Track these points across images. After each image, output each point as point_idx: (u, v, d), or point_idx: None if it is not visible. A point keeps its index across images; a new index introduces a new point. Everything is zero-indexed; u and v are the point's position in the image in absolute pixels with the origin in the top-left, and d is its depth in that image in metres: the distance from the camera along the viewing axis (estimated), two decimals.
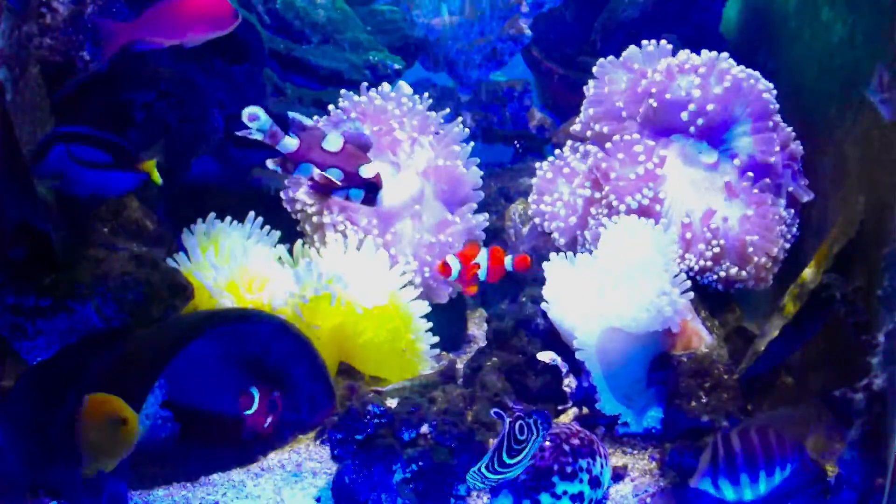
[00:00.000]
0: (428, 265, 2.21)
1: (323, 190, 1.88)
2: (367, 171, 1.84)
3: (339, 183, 1.84)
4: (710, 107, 2.12)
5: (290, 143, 1.81)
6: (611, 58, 2.30)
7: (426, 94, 2.41)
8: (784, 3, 2.41)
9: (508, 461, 1.52)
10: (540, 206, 2.32)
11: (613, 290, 1.89)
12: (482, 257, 2.01)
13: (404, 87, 2.39)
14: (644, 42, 2.28)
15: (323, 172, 1.83)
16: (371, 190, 1.87)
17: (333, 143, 1.83)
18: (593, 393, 1.96)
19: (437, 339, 2.17)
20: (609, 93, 2.28)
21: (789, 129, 2.17)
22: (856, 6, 1.96)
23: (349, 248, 2.14)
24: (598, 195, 2.15)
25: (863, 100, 1.88)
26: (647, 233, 1.93)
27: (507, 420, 1.52)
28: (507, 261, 2.02)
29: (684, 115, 2.15)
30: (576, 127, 2.37)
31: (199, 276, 2.05)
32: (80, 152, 1.70)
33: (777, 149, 2.13)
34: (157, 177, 1.77)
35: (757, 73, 2.17)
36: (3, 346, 1.81)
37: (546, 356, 2.03)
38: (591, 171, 2.18)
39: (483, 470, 1.50)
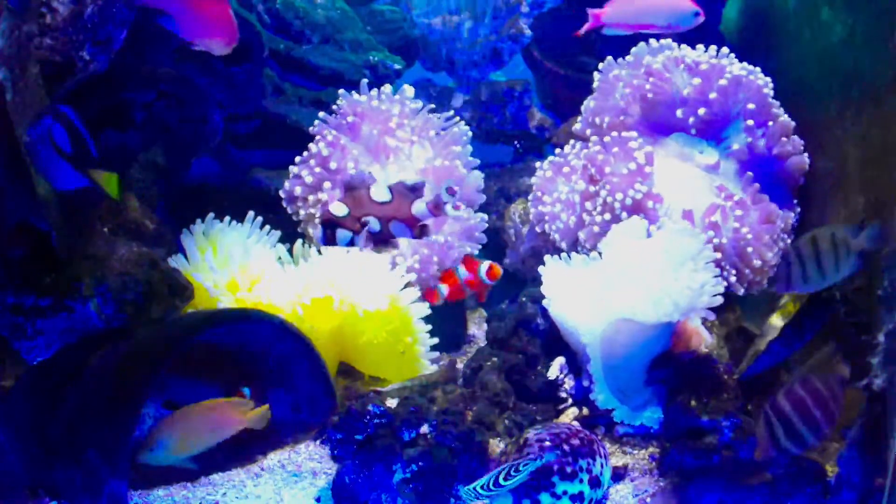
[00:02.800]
0: (425, 259, 2.21)
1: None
2: (417, 207, 1.82)
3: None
4: (711, 95, 2.12)
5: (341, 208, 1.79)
6: (620, 59, 2.32)
7: (432, 105, 2.41)
8: (784, 3, 2.41)
9: (502, 482, 1.57)
10: (539, 207, 2.33)
11: (628, 281, 1.88)
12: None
13: (407, 89, 2.39)
14: (651, 40, 2.29)
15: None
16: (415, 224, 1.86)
17: (383, 193, 1.81)
18: (590, 384, 1.97)
19: (435, 340, 2.17)
20: (610, 88, 2.29)
21: (788, 118, 2.17)
22: (856, 6, 1.96)
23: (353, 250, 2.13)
24: (592, 189, 2.16)
25: (863, 99, 1.88)
26: (677, 227, 1.95)
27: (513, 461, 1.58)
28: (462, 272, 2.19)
29: (679, 113, 2.16)
30: (576, 126, 2.37)
31: (199, 277, 2.04)
32: (57, 132, 1.69)
33: (777, 143, 2.13)
34: (113, 191, 1.73)
35: (756, 69, 2.17)
36: (3, 346, 1.81)
37: (555, 370, 2.03)
38: (586, 166, 2.19)
39: (478, 489, 1.55)
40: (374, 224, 1.78)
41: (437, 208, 1.80)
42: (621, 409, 1.94)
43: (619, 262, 1.92)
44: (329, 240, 1.80)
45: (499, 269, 2.20)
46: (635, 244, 1.92)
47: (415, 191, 1.80)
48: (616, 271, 1.92)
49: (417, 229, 1.82)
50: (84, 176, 1.71)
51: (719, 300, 1.89)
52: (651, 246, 1.90)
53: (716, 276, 1.89)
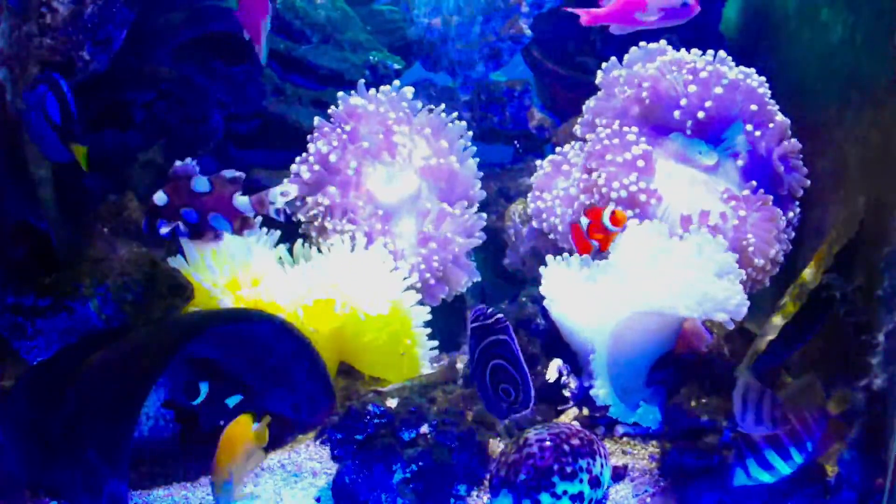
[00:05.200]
0: (424, 257, 2.21)
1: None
2: (240, 201, 1.89)
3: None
4: (707, 104, 2.13)
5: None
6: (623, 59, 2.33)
7: (431, 107, 2.41)
8: (784, 3, 2.41)
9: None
10: (538, 203, 2.34)
11: (654, 276, 1.88)
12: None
13: (406, 90, 2.39)
14: (642, 43, 2.29)
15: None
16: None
17: (202, 184, 1.86)
18: (591, 381, 1.96)
19: (435, 342, 2.17)
20: (612, 88, 2.30)
21: (786, 120, 2.17)
22: (856, 6, 1.96)
23: (356, 251, 2.13)
24: (586, 176, 2.17)
25: (863, 100, 1.88)
26: (710, 237, 1.98)
27: None
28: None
29: (676, 114, 2.17)
30: (576, 128, 2.38)
31: (198, 277, 2.04)
32: (49, 102, 1.69)
33: (776, 146, 2.13)
34: (83, 163, 1.74)
35: (751, 70, 2.18)
36: (3, 346, 1.81)
37: (553, 371, 2.03)
38: (586, 160, 2.20)
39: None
40: (192, 215, 1.83)
41: (260, 205, 1.83)
42: (619, 406, 1.93)
43: (642, 257, 1.91)
44: (150, 229, 1.85)
45: (623, 215, 2.00)
46: (666, 243, 1.93)
47: (234, 182, 1.83)
48: (636, 267, 1.91)
49: (237, 222, 1.85)
50: (68, 151, 1.71)
51: (744, 311, 1.89)
52: (684, 247, 1.91)
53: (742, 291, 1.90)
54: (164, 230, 1.89)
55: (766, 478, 1.56)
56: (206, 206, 1.86)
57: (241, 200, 1.83)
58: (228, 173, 1.88)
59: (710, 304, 1.83)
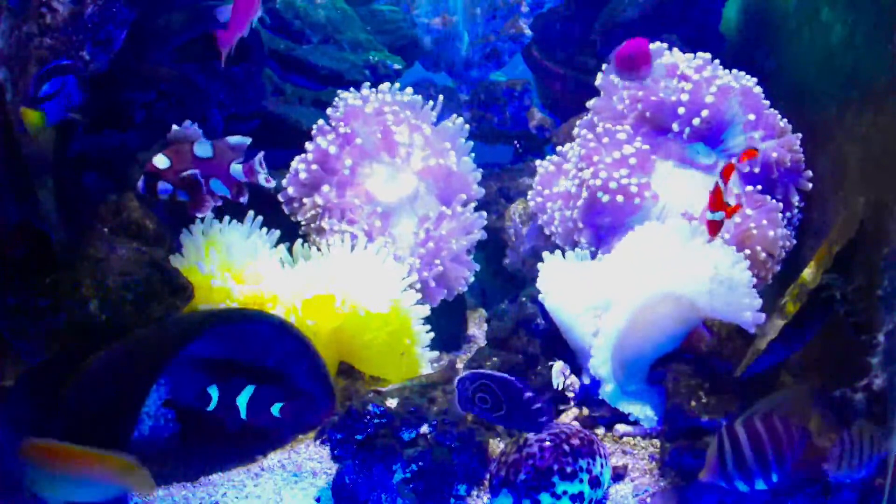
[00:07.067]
0: (424, 257, 2.21)
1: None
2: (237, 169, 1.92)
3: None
4: (704, 112, 2.15)
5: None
6: None
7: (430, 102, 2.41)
8: (784, 3, 2.41)
9: None
10: (538, 200, 2.34)
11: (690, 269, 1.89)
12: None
13: (405, 92, 2.40)
14: None
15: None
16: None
17: (204, 149, 1.87)
18: (595, 390, 1.95)
19: (434, 337, 2.17)
20: (611, 89, 2.31)
21: (787, 124, 2.18)
22: (856, 6, 1.96)
23: (356, 249, 2.13)
24: (580, 174, 2.18)
25: (863, 100, 1.88)
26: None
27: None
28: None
29: (675, 125, 2.19)
30: (576, 129, 2.38)
31: (202, 268, 2.03)
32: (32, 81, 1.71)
33: (775, 148, 2.14)
34: (30, 127, 1.70)
35: (742, 73, 2.19)
36: (3, 346, 1.81)
37: (558, 378, 2.02)
38: (577, 162, 2.21)
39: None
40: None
41: (250, 172, 1.86)
42: (613, 385, 1.91)
43: (680, 251, 1.93)
44: (149, 191, 1.85)
45: (756, 153, 1.90)
46: (707, 248, 1.93)
47: (234, 150, 1.86)
48: (674, 256, 1.93)
49: (234, 189, 1.88)
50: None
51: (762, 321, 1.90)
52: (723, 255, 1.92)
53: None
54: (165, 192, 1.89)
55: (742, 487, 1.54)
56: (207, 171, 1.88)
57: (236, 168, 1.87)
58: (233, 139, 1.91)
59: (734, 309, 1.85)
